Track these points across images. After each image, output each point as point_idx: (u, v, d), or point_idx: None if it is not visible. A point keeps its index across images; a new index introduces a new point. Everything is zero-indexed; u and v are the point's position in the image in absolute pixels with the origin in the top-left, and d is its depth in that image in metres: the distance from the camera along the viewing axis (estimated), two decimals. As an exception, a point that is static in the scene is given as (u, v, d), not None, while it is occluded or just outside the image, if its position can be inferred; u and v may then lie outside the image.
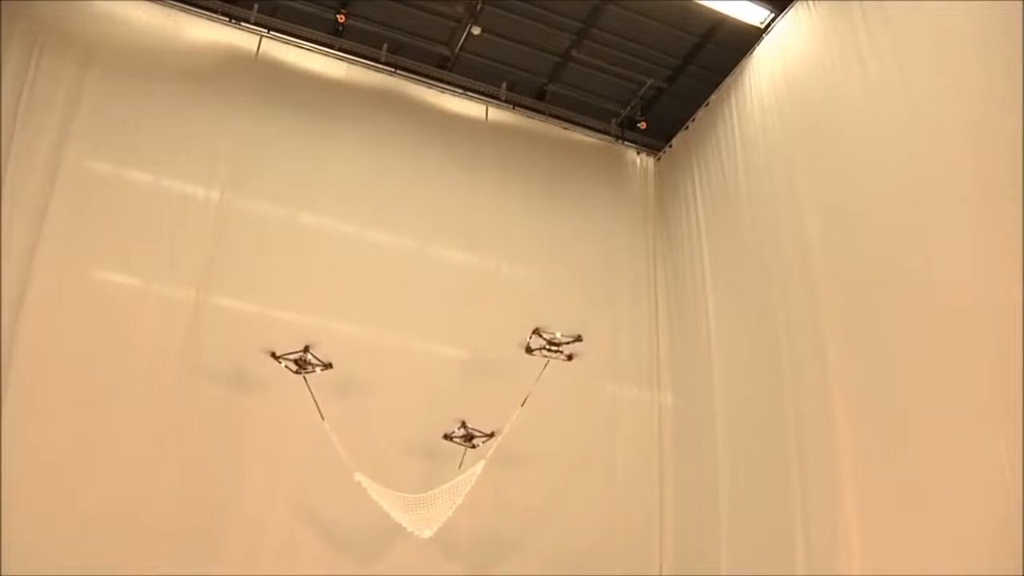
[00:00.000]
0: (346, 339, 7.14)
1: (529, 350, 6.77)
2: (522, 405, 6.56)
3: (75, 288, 6.46)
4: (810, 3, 7.23)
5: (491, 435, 6.84)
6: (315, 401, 6.37)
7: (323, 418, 6.33)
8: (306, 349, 6.49)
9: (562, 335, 6.76)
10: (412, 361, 7.42)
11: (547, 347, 6.76)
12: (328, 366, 6.52)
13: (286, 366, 6.45)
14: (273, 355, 6.44)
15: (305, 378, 6.46)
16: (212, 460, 6.43)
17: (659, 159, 9.66)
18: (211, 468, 6.40)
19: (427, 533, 6.02)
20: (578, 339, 6.79)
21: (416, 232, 8.03)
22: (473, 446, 6.91)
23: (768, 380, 6.71)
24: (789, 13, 7.54)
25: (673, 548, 7.61)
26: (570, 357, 6.85)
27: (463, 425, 6.93)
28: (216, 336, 6.73)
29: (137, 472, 6.14)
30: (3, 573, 5.49)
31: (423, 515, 6.08)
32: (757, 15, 7.81)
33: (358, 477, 6.10)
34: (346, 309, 7.33)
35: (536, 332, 6.73)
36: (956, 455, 4.90)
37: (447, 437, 6.96)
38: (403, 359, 7.37)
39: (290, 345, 6.50)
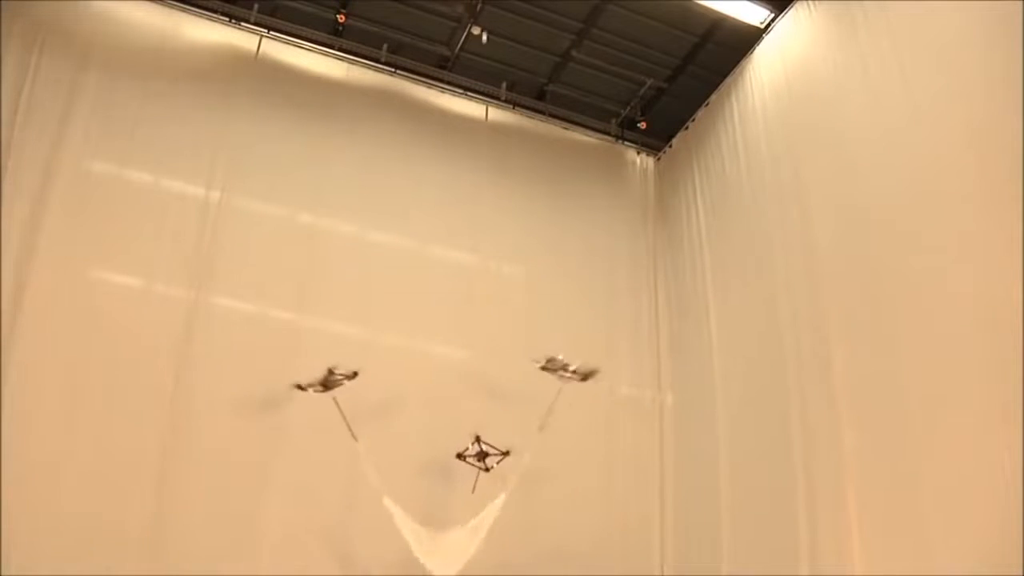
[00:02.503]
0: (345, 339, 7.14)
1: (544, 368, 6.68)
2: (540, 428, 6.54)
3: (74, 288, 6.45)
4: (810, 3, 7.23)
5: (506, 453, 6.76)
6: (347, 423, 6.34)
7: (356, 439, 6.34)
8: (330, 372, 6.39)
9: (578, 367, 6.64)
10: (411, 362, 7.41)
11: (561, 371, 6.67)
12: (353, 375, 6.41)
13: (314, 391, 6.37)
14: (299, 387, 6.38)
15: (336, 400, 6.36)
16: (211, 459, 6.42)
17: (659, 159, 9.65)
18: (210, 468, 6.39)
19: (451, 572, 5.98)
20: (592, 373, 6.70)
21: (416, 232, 8.02)
22: (487, 468, 6.77)
23: (769, 379, 6.71)
24: (789, 13, 7.54)
25: (674, 548, 7.61)
26: (585, 378, 6.71)
27: (477, 440, 6.78)
28: (215, 336, 6.72)
29: (136, 472, 6.13)
30: (3, 573, 5.48)
31: (445, 555, 6.05)
32: (757, 15, 7.81)
33: (387, 502, 6.09)
34: (345, 309, 7.32)
35: (550, 362, 6.64)
36: (957, 454, 4.91)
37: (460, 457, 6.83)
38: (402, 359, 7.36)
39: (290, 345, 6.52)
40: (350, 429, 6.34)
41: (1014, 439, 4.49)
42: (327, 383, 6.38)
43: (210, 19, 7.91)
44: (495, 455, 6.80)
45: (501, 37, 8.53)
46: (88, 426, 6.13)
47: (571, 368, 6.63)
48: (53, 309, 6.30)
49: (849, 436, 5.74)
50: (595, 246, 8.73)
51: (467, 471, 6.84)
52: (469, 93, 8.93)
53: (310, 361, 6.63)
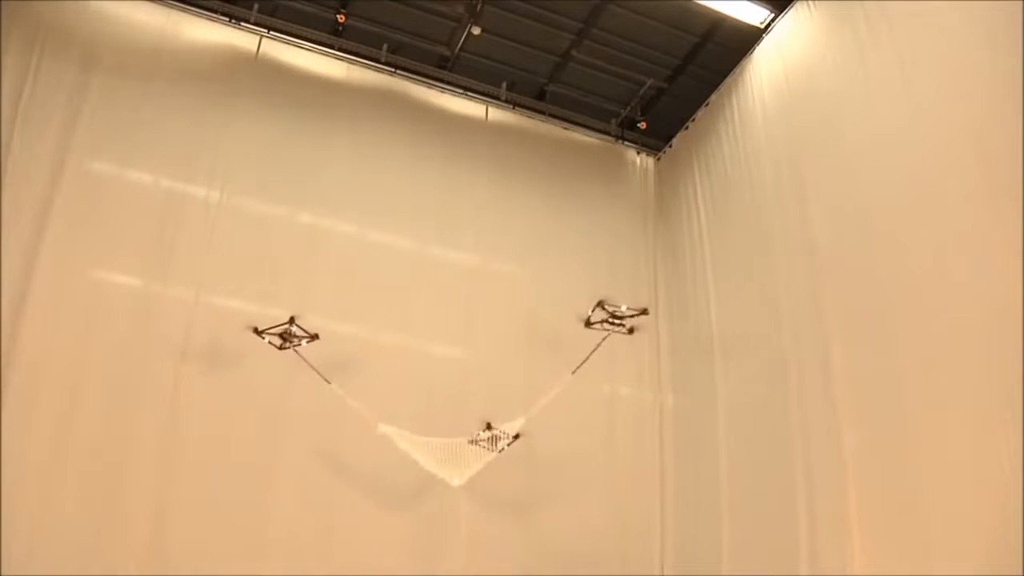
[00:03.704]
0: (345, 339, 7.14)
1: (588, 323, 6.68)
2: (573, 373, 6.63)
3: (74, 288, 6.46)
4: (810, 3, 7.22)
5: (516, 437, 6.79)
6: (315, 370, 6.53)
7: (328, 382, 6.54)
8: (291, 321, 6.54)
9: (627, 308, 6.68)
10: (412, 361, 7.41)
11: (609, 319, 6.65)
12: (314, 337, 6.57)
13: (269, 341, 6.52)
14: (255, 330, 6.52)
15: (296, 350, 6.54)
16: (211, 459, 6.42)
17: (659, 159, 9.65)
18: (211, 468, 6.39)
19: (457, 482, 6.23)
20: (644, 312, 6.73)
21: (416, 232, 8.02)
22: (500, 450, 6.81)
23: (770, 380, 6.70)
24: (789, 13, 7.54)
25: (674, 548, 7.60)
26: (631, 331, 6.75)
27: (488, 427, 6.83)
28: (216, 336, 6.72)
29: (136, 472, 6.14)
30: (3, 573, 5.48)
31: (453, 467, 6.25)
32: (757, 15, 7.81)
33: (382, 428, 6.23)
34: (346, 309, 7.32)
35: (600, 305, 6.64)
36: (957, 454, 4.91)
37: (472, 442, 6.81)
38: (402, 359, 7.37)
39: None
40: (323, 376, 6.58)
41: (1014, 439, 4.49)
42: (285, 336, 6.55)
43: (210, 19, 7.92)
44: (506, 439, 6.83)
45: (501, 37, 8.54)
46: (88, 426, 6.13)
47: (622, 309, 6.64)
48: (54, 309, 6.30)
49: (849, 436, 5.73)
50: (595, 246, 8.73)
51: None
52: (469, 93, 8.93)
53: (310, 361, 6.64)
